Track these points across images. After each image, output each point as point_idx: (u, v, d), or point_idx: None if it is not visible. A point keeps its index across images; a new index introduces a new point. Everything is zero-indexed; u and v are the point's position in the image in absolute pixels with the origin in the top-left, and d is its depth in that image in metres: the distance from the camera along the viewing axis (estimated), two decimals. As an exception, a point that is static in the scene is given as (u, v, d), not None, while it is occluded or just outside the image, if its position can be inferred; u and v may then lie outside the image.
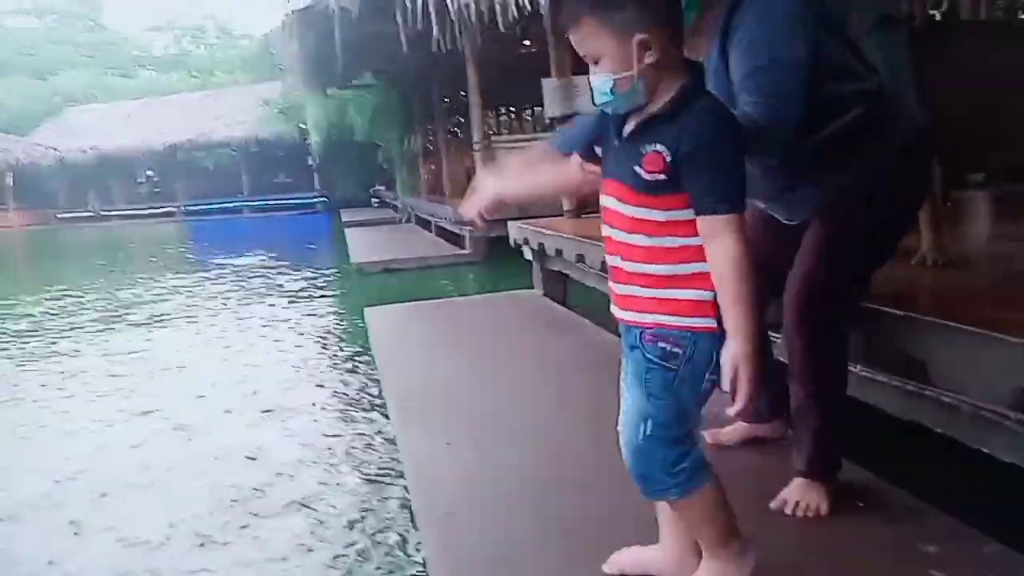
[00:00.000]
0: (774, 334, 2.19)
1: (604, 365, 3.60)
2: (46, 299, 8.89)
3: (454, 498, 2.18)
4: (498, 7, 6.75)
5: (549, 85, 5.29)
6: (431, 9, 7.00)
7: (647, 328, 1.41)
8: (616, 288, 1.48)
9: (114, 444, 3.59)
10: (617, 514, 2.02)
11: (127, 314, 7.48)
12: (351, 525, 2.58)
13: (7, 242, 21.98)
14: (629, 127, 1.41)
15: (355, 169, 22.45)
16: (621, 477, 2.34)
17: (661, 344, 1.39)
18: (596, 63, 1.37)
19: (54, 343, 6.21)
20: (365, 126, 16.98)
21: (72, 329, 6.79)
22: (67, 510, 2.85)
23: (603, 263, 3.91)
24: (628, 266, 1.43)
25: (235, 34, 48.77)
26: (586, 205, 5.50)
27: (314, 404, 4.00)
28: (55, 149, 25.09)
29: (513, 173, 1.65)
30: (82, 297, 8.91)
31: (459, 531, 1.99)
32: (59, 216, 28.95)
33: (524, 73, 12.16)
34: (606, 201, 1.46)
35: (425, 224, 12.53)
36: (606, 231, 1.47)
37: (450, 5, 6.94)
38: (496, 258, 8.56)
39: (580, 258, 4.26)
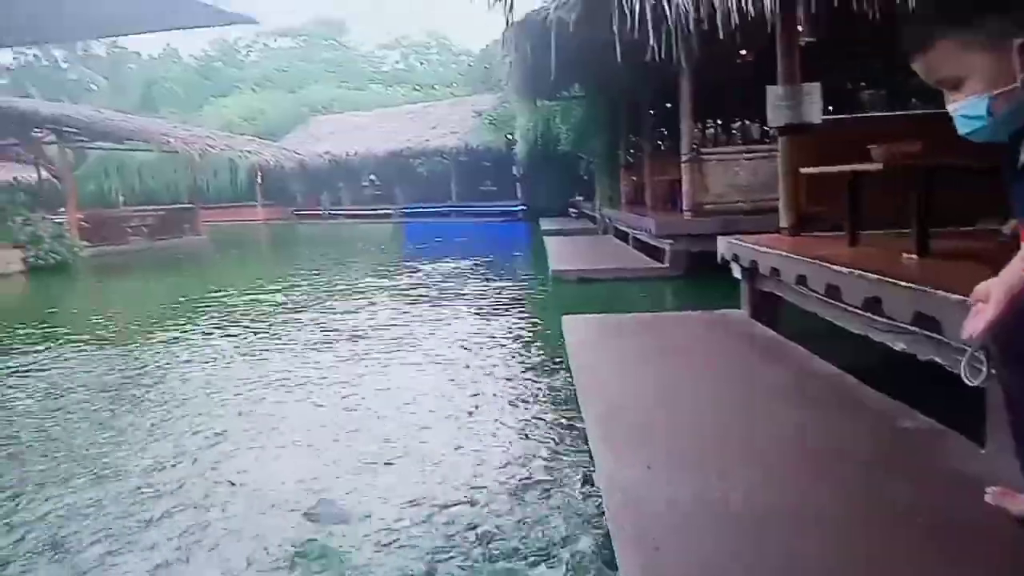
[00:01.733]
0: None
1: (822, 397, 3.27)
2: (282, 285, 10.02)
3: (658, 530, 2.03)
4: (719, 14, 6.45)
5: (774, 92, 4.93)
6: (648, 18, 6.86)
7: None
8: None
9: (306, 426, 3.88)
10: (841, 559, 1.78)
11: (332, 302, 8.16)
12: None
13: (256, 234, 25.26)
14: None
15: (556, 179, 22.85)
16: (844, 517, 2.09)
17: None
18: (957, 87, 1.17)
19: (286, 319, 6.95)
20: (570, 136, 17.20)
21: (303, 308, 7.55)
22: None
23: (827, 286, 3.58)
24: None
25: (454, 51, 52.08)
26: (809, 220, 5.06)
27: (503, 411, 4.03)
28: (297, 153, 28.32)
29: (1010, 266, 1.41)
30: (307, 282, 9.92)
31: (664, 568, 1.85)
32: (296, 212, 32.61)
33: (736, 84, 11.61)
34: None
35: (623, 236, 12.37)
36: None
37: (668, 14, 6.76)
38: (696, 274, 8.21)
39: (801, 279, 3.90)
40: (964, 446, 2.56)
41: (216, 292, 9.90)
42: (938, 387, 2.64)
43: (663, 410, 3.14)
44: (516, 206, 26.42)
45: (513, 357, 5.33)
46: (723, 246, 5.25)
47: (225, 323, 7.35)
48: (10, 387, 5.03)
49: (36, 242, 13.98)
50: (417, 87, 43.30)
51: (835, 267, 3.46)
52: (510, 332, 6.19)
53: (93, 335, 6.99)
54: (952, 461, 2.44)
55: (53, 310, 9.50)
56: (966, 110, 1.18)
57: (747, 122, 11.24)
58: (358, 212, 30.93)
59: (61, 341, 6.67)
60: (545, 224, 17.48)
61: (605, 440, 2.80)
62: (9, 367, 5.63)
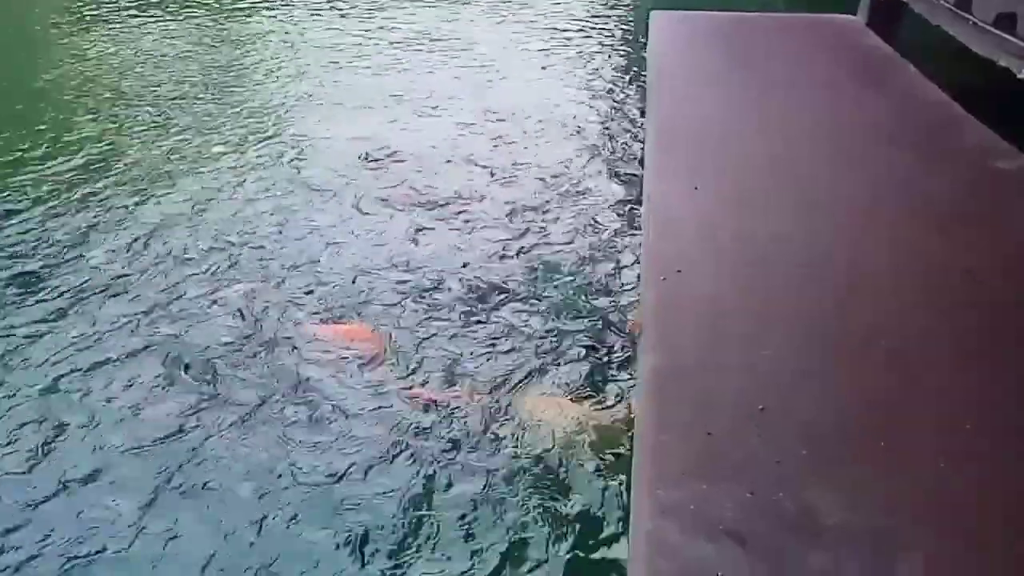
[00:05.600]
0: None
1: (921, 130, 2.93)
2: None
3: (685, 254, 2.00)
4: None
5: None
6: None
7: None
8: None
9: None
10: (870, 317, 1.74)
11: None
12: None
13: None
14: None
15: None
16: (889, 273, 2.00)
17: None
18: None
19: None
20: None
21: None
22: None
23: (962, -2, 3.00)
24: None
25: None
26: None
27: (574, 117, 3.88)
28: None
29: None
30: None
31: (678, 290, 1.85)
32: None
33: None
34: None
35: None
36: None
37: None
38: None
39: (932, -16, 3.28)
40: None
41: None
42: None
43: (735, 130, 2.91)
44: None
45: (588, 58, 4.99)
46: (853, -66, 4.39)
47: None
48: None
49: None
50: None
51: (976, -31, 2.85)
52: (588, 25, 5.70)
53: None
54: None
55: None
56: None
57: None
58: None
59: None
60: None
61: (660, 161, 2.67)
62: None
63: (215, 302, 2.39)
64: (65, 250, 2.68)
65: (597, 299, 2.41)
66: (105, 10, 5.91)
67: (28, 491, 1.73)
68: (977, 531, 1.21)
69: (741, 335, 1.69)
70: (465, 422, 1.91)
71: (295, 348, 2.16)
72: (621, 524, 1.60)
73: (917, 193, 2.40)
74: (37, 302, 2.39)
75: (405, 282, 2.49)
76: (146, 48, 5.16)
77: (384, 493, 1.71)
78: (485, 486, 1.72)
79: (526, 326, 2.27)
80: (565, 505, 1.69)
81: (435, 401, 1.96)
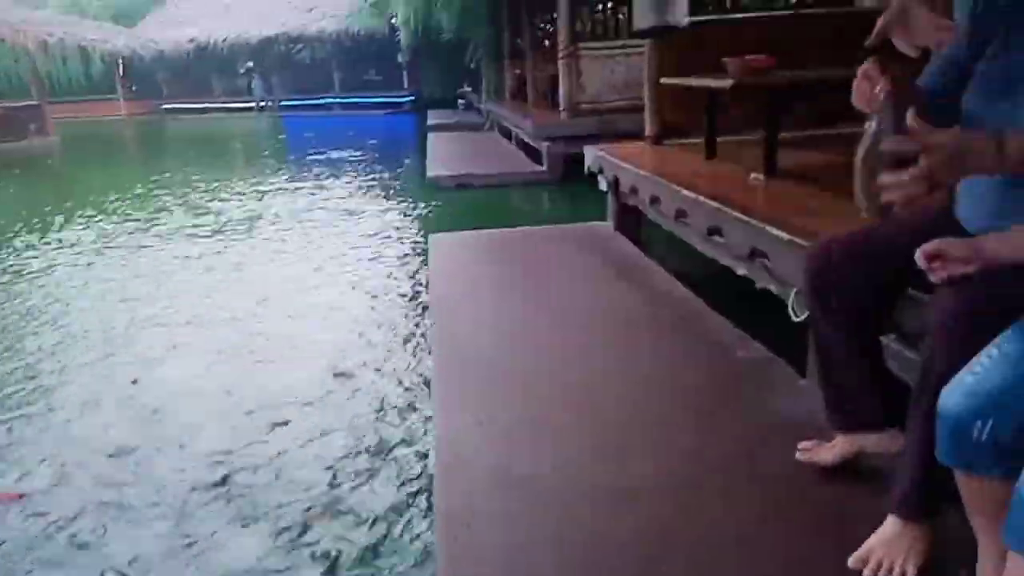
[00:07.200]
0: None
1: (673, 326, 3.29)
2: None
3: (475, 501, 1.96)
4: None
5: (639, -10, 4.66)
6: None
7: None
8: None
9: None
10: (653, 531, 1.77)
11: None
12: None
13: (118, 131, 23.10)
14: None
15: (443, 69, 21.87)
16: (665, 485, 2.09)
17: None
18: None
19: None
20: (452, 23, 16.28)
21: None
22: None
23: (677, 211, 3.53)
24: None
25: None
26: (670, 130, 4.96)
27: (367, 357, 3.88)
28: (154, 42, 25.68)
29: None
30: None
31: (475, 544, 1.79)
32: (163, 107, 29.85)
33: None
34: None
35: (508, 133, 12.06)
36: None
37: None
38: (574, 178, 8.12)
39: (655, 200, 3.84)
40: (789, 376, 2.62)
41: (64, 210, 8.95)
42: (777, 314, 2.68)
43: (509, 351, 3.04)
44: (403, 97, 25.25)
45: (371, 289, 5.13)
46: (590, 157, 5.11)
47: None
48: None
49: None
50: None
51: (684, 191, 3.40)
52: (370, 253, 5.94)
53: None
54: (777, 394, 2.50)
55: None
56: None
57: (621, 17, 10.68)
58: (232, 105, 28.68)
59: None
60: (432, 118, 16.79)
61: (444, 381, 2.70)
62: None
63: None
64: None
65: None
66: None
67: None
68: None
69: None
70: None
71: None
72: None
73: (677, 387, 2.63)
74: None
75: None
76: None
77: None
78: None
79: None
80: None
81: None
